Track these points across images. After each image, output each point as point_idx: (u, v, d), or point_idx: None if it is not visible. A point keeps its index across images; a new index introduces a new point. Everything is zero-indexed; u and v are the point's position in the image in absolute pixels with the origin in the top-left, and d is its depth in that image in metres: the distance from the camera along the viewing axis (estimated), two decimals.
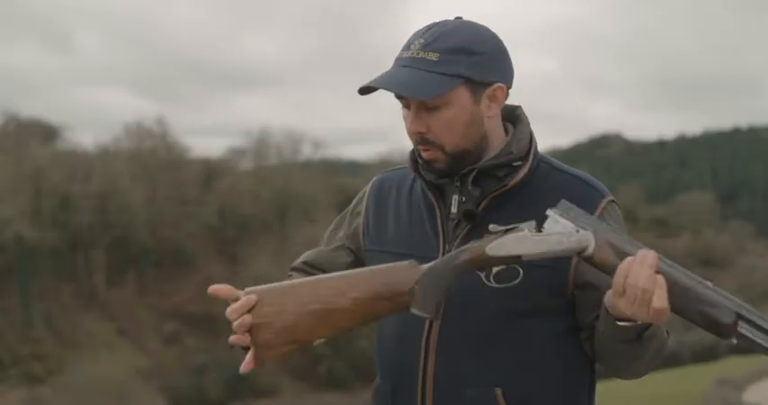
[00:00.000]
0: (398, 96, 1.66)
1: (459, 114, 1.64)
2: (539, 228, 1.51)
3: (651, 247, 1.49)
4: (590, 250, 1.48)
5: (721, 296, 1.45)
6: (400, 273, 1.54)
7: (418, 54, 1.62)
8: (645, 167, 72.32)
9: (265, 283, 1.60)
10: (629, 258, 1.46)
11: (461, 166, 1.66)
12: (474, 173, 1.66)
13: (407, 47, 1.65)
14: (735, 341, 1.45)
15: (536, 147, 1.70)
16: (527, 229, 1.51)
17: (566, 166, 1.73)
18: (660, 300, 1.43)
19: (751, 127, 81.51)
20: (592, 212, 1.61)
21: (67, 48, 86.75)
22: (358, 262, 1.82)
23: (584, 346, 1.68)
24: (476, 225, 1.65)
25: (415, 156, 1.73)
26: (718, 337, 1.46)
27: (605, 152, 77.87)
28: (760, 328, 1.43)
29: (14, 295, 32.44)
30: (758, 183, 68.14)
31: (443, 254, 1.64)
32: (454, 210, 1.67)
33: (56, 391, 27.54)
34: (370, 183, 1.87)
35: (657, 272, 1.44)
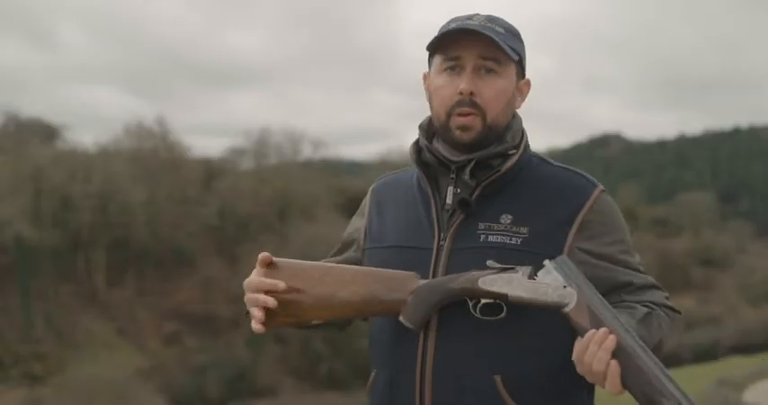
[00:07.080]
0: (452, 58, 1.64)
1: (506, 88, 1.68)
2: (533, 274, 1.56)
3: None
4: (569, 308, 1.52)
5: (674, 386, 1.45)
6: (400, 280, 1.62)
7: (486, 24, 1.64)
8: (645, 167, 72.30)
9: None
10: (590, 333, 1.48)
11: (484, 144, 1.67)
12: (472, 163, 1.67)
13: (468, 18, 1.65)
14: None
15: (527, 140, 1.73)
16: (522, 272, 1.56)
17: (557, 162, 1.76)
18: (612, 385, 1.46)
19: (751, 127, 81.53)
20: (585, 201, 1.67)
21: (51, 45, 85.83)
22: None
23: None
24: (470, 214, 1.66)
25: (418, 147, 1.75)
26: None
27: (605, 152, 77.86)
28: None
29: (14, 295, 32.43)
30: (758, 183, 68.10)
31: (438, 243, 1.67)
32: (449, 200, 1.69)
33: (56, 391, 27.52)
34: (371, 188, 1.89)
35: (613, 356, 1.46)
